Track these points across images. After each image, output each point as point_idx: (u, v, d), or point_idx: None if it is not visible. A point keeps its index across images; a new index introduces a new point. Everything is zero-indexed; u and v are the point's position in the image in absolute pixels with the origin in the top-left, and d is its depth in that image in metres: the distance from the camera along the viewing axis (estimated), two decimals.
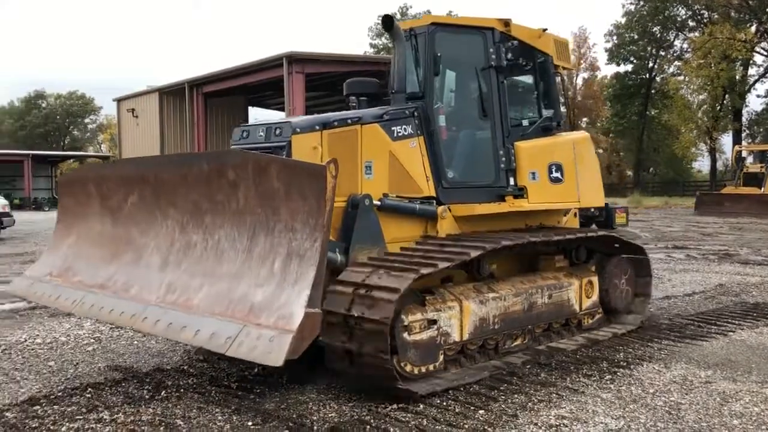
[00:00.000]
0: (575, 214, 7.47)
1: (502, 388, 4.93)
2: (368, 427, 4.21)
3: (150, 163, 5.39)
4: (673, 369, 5.36)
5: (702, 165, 62.73)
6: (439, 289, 5.28)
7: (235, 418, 4.45)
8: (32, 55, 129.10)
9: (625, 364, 5.53)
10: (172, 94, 29.68)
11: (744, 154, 31.67)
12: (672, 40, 57.52)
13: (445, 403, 4.62)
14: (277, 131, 5.36)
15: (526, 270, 6.35)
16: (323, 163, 3.70)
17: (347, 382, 4.97)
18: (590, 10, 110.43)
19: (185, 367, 5.66)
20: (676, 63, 55.18)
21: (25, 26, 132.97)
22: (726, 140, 51.97)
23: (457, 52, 6.46)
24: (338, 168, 3.73)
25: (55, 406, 4.73)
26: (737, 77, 47.93)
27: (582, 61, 66.62)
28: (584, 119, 69.24)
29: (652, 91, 57.74)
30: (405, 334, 4.81)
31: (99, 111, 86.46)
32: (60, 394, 5.02)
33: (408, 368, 4.82)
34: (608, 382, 5.06)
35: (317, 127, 5.31)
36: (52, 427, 4.33)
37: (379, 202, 5.44)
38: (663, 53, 57.70)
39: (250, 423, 4.35)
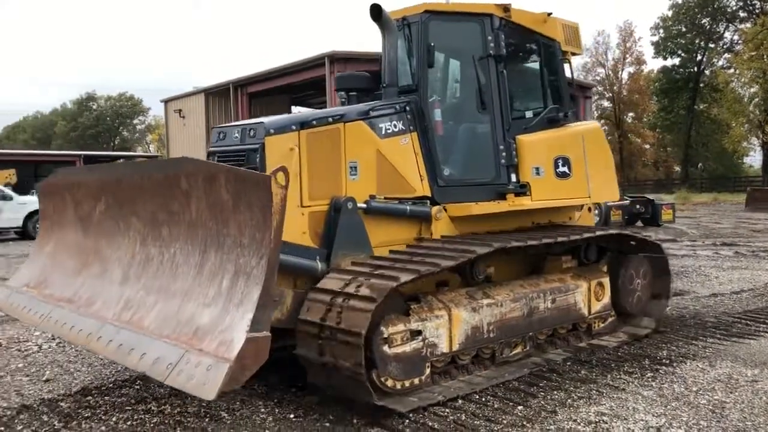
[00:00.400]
0: (590, 210, 7.07)
1: (541, 384, 4.92)
2: (407, 421, 4.25)
3: (115, 170, 5.10)
4: (718, 367, 5.27)
5: (753, 160, 60.92)
6: (426, 297, 4.92)
7: (277, 410, 4.55)
8: (80, 58, 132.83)
9: (667, 361, 5.45)
10: (217, 95, 30.19)
11: None
12: (722, 32, 56.03)
13: (483, 399, 4.64)
14: (251, 132, 5.02)
15: (530, 272, 6.02)
16: (269, 173, 3.35)
17: (327, 397, 4.65)
18: (636, 3, 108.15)
19: None
20: (726, 55, 53.72)
21: (73, 29, 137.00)
22: None
23: (453, 41, 6.15)
24: (289, 177, 3.38)
25: (106, 397, 4.92)
26: None
27: (627, 55, 65.40)
28: (630, 114, 67.92)
29: (701, 85, 56.33)
30: (385, 347, 4.43)
31: (147, 112, 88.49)
32: (111, 385, 5.21)
33: (389, 383, 4.46)
34: (650, 379, 5.01)
35: (294, 127, 4.98)
36: (103, 417, 4.51)
37: (365, 205, 5.16)
38: (712, 45, 56.23)
39: (291, 415, 4.45)
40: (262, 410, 4.57)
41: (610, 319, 6.29)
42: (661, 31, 57.45)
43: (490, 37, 5.91)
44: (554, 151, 6.24)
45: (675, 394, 4.66)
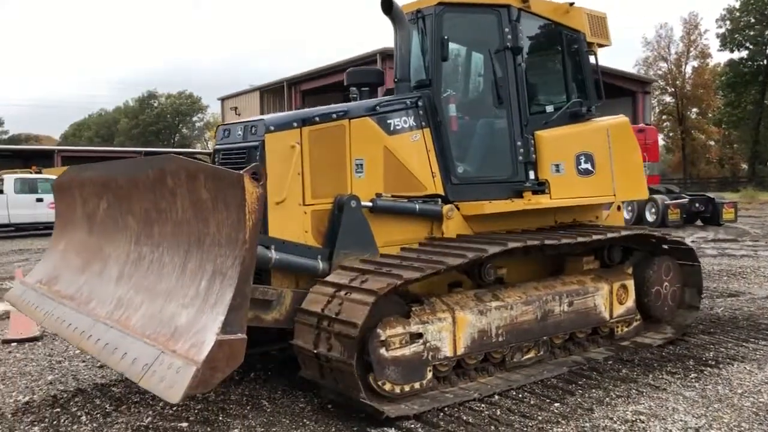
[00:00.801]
0: (619, 208, 6.80)
1: (580, 382, 4.89)
2: (446, 418, 4.29)
3: (114, 168, 4.97)
4: (767, 370, 5.12)
5: None
6: (430, 299, 4.77)
7: (316, 401, 4.66)
8: (137, 55, 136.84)
9: (713, 363, 5.33)
10: (271, 92, 30.76)
11: None
12: None
13: (521, 396, 4.64)
14: (253, 130, 4.95)
15: (551, 273, 5.79)
16: (242, 171, 3.28)
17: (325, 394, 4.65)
18: None
19: (274, 353, 5.95)
20: None
21: (134, 27, 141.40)
22: None
23: (469, 34, 5.99)
24: (266, 175, 3.34)
25: None
26: None
27: (692, 48, 63.36)
28: (694, 110, 65.83)
29: None
30: (382, 350, 4.28)
31: (206, 109, 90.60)
32: None
33: (387, 387, 4.33)
34: (693, 380, 4.91)
35: (295, 124, 4.88)
36: (151, 402, 4.71)
37: (370, 203, 5.05)
38: None
39: (330, 406, 4.55)
40: (302, 400, 4.70)
41: (635, 324, 6.01)
42: (728, 22, 55.37)
43: (507, 29, 5.71)
44: (576, 147, 6.01)
45: (718, 396, 4.56)
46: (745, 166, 61.64)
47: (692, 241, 15.47)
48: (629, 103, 29.14)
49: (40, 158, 35.70)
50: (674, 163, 67.69)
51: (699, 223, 19.82)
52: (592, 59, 6.35)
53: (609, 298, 5.71)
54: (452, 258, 4.60)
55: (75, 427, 4.32)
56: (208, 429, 4.21)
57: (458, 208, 5.46)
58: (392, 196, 5.21)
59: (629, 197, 6.74)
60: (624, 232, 5.84)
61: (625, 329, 5.93)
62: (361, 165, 5.10)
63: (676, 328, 6.17)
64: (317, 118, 4.96)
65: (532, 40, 5.95)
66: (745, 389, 4.69)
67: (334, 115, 5.03)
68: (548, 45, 6.27)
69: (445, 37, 5.42)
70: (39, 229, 20.86)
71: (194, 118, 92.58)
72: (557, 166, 5.85)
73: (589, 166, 6.05)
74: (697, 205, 19.58)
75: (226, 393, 4.87)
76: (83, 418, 4.47)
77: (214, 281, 3.42)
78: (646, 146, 23.74)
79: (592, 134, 6.18)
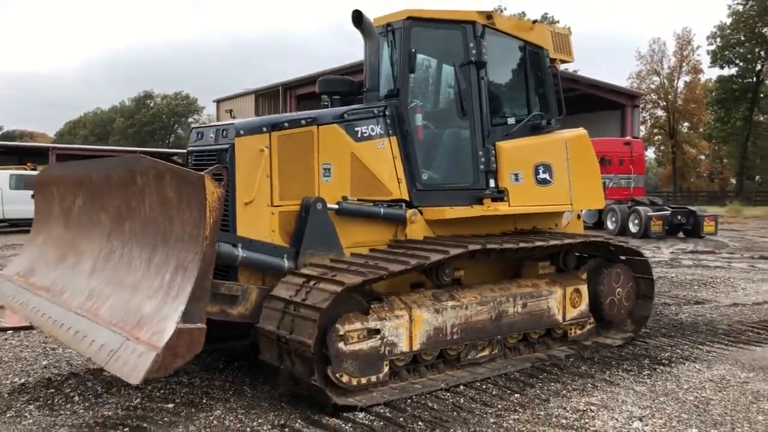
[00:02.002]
0: (578, 217, 7.23)
1: (541, 376, 5.26)
2: (412, 404, 4.64)
3: (89, 166, 5.15)
4: (714, 369, 5.50)
5: None
6: (389, 297, 5.02)
7: (294, 388, 4.99)
8: (134, 54, 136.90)
9: (667, 362, 5.71)
10: (266, 96, 31.11)
11: None
12: None
13: (484, 387, 5.00)
14: (224, 133, 5.14)
15: (509, 276, 6.08)
16: (204, 172, 3.53)
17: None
18: (694, 11, 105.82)
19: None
20: None
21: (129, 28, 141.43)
22: None
23: (435, 48, 6.27)
24: (227, 177, 3.57)
25: None
26: None
27: (684, 64, 64.10)
28: (685, 124, 66.53)
29: (760, 95, 54.85)
30: (341, 344, 4.52)
31: (201, 111, 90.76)
32: None
33: (345, 379, 4.57)
34: (645, 377, 5.29)
35: (264, 129, 5.10)
36: (140, 386, 5.02)
37: (336, 206, 5.28)
38: None
39: (306, 393, 4.88)
40: (281, 387, 5.03)
41: (588, 327, 6.26)
42: (719, 39, 56.14)
43: (471, 44, 5.99)
44: (535, 158, 6.31)
45: (665, 390, 4.94)
46: (734, 180, 62.32)
47: (671, 252, 15.91)
48: (618, 117, 29.64)
49: (35, 155, 35.85)
50: (665, 177, 68.38)
51: (681, 235, 20.27)
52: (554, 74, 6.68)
53: (562, 302, 5.98)
54: (414, 259, 4.87)
55: (68, 406, 4.65)
56: (193, 410, 4.54)
57: (421, 213, 5.74)
58: (358, 200, 5.46)
59: (585, 206, 7.01)
60: (567, 240, 6.03)
61: (579, 331, 6.20)
62: (329, 169, 5.36)
63: (628, 332, 6.52)
64: (286, 124, 5.22)
65: (496, 55, 6.23)
66: (690, 385, 5.07)
67: (303, 122, 5.28)
68: (512, 60, 6.54)
69: (413, 50, 5.69)
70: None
71: (190, 119, 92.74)
72: (516, 175, 6.16)
73: (547, 176, 6.36)
74: (679, 217, 20.04)
75: (210, 379, 5.22)
76: (76, 398, 4.80)
77: (177, 275, 3.69)
78: (632, 159, 24.30)
79: (551, 146, 6.50)
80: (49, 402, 4.72)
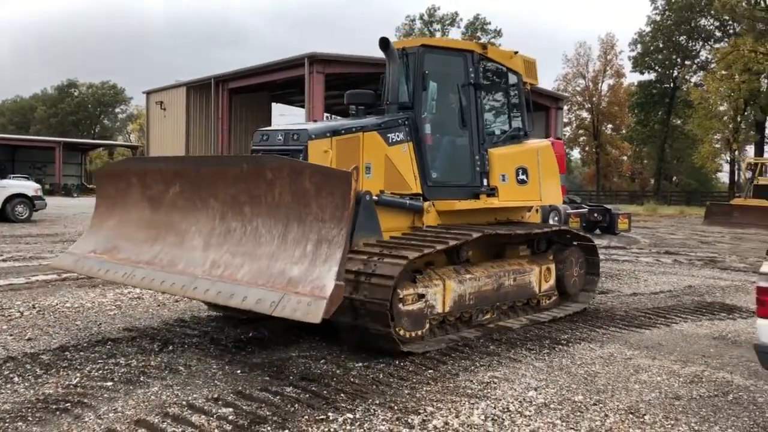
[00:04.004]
0: (537, 211, 8.76)
1: (453, 355, 5.82)
2: (335, 379, 5.12)
3: (192, 161, 6.17)
4: (605, 348, 6.21)
5: (727, 176, 62.59)
6: (426, 270, 6.18)
7: (227, 367, 5.40)
8: (62, 45, 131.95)
9: (565, 342, 6.39)
10: (198, 89, 30.86)
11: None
12: (698, 50, 57.65)
13: (402, 364, 5.52)
14: (295, 137, 6.29)
15: (494, 257, 7.33)
16: (349, 170, 4.56)
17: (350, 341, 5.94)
18: (618, 16, 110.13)
19: (189, 331, 6.63)
20: (700, 73, 55.24)
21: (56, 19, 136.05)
22: (752, 153, 51.84)
23: (442, 70, 7.38)
24: (359, 173, 4.56)
25: (81, 353, 5.74)
26: (761, 90, 47.92)
27: (608, 68, 66.83)
28: (609, 126, 69.36)
29: (677, 100, 57.84)
30: (400, 305, 5.70)
31: (129, 101, 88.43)
32: (85, 344, 6.02)
33: (401, 332, 5.72)
34: (545, 355, 5.93)
35: (328, 134, 6.28)
36: (78, 367, 5.33)
37: (376, 198, 6.28)
38: (688, 63, 57.81)
39: (239, 371, 5.30)
40: (214, 367, 5.41)
41: (553, 298, 7.79)
42: (639, 46, 58.92)
43: (471, 69, 7.33)
44: (516, 162, 7.72)
45: (561, 366, 5.59)
46: (653, 181, 65.51)
47: None
48: (543, 118, 30.88)
49: None
50: (589, 176, 71.20)
51: (598, 231, 21.47)
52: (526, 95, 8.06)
53: (539, 277, 7.48)
54: (463, 236, 6.29)
55: (9, 386, 4.88)
56: (131, 387, 4.87)
57: (434, 205, 6.96)
58: (391, 194, 6.60)
59: (550, 202, 8.53)
60: (546, 229, 7.72)
61: (548, 302, 7.67)
62: (369, 168, 6.54)
63: (586, 302, 8.08)
64: (343, 131, 6.39)
65: (488, 78, 7.59)
66: (583, 361, 5.74)
67: (354, 129, 6.47)
68: (498, 83, 7.92)
69: (426, 72, 6.97)
70: None
71: (117, 110, 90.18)
72: (503, 176, 7.57)
73: (524, 177, 7.82)
74: (595, 215, 21.24)
75: (146, 361, 5.53)
76: (16, 379, 5.03)
77: (321, 246, 4.64)
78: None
79: (527, 153, 7.93)
80: None
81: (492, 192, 7.45)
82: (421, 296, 5.95)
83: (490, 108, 7.88)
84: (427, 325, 6.05)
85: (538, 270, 7.48)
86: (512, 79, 7.93)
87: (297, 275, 4.63)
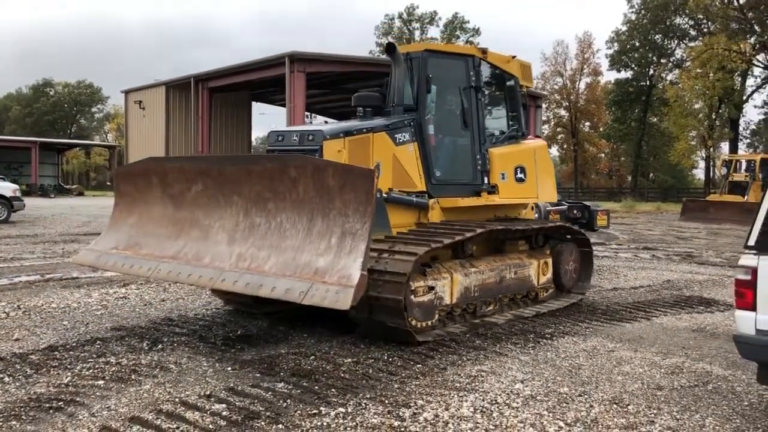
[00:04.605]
0: (532, 208, 8.92)
1: (441, 350, 5.92)
2: (326, 375, 5.19)
3: (215, 161, 6.44)
4: (588, 341, 6.35)
5: (703, 173, 63.52)
6: (435, 264, 6.48)
7: (218, 365, 5.45)
8: (40, 44, 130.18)
9: (549, 336, 6.53)
10: (178, 88, 30.61)
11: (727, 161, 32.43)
12: (673, 48, 58.39)
13: (390, 359, 5.61)
14: (310, 137, 6.58)
15: (494, 252, 7.63)
16: (372, 167, 4.88)
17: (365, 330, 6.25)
18: (596, 14, 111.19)
19: (178, 329, 6.66)
20: (676, 71, 55.99)
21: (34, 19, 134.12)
22: (726, 149, 52.73)
23: (445, 74, 7.68)
24: (380, 171, 4.80)
25: (71, 352, 5.75)
26: (735, 88, 48.72)
27: (585, 66, 67.45)
28: (587, 123, 70.01)
29: (653, 98, 58.56)
30: (412, 296, 5.97)
31: (106, 101, 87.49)
32: (74, 344, 6.03)
33: (414, 323, 5.99)
34: (530, 348, 6.06)
35: (341, 135, 6.59)
36: (69, 366, 5.34)
37: (386, 195, 6.57)
38: (663, 61, 58.56)
39: (229, 368, 5.35)
40: (205, 364, 5.46)
41: (550, 290, 8.13)
42: (616, 44, 59.52)
43: (471, 72, 7.66)
44: (514, 161, 8.10)
45: (546, 359, 5.71)
46: (630, 177, 66.26)
47: None
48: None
49: None
50: (567, 174, 71.80)
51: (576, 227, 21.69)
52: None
53: (537, 270, 7.80)
54: (468, 231, 6.58)
55: (0, 386, 4.90)
56: (122, 385, 4.90)
57: (438, 202, 7.30)
58: (399, 191, 6.89)
59: (546, 199, 8.88)
60: (558, 224, 8.43)
61: (545, 294, 8.00)
62: (379, 166, 6.44)
63: (582, 294, 8.48)
64: (355, 132, 6.70)
65: (487, 81, 7.89)
66: (567, 355, 5.87)
67: (365, 130, 6.78)
68: (497, 86, 8.27)
69: (429, 75, 7.28)
70: None
71: (93, 109, 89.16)
72: (503, 174, 7.92)
73: (522, 175, 8.18)
74: (575, 211, 21.30)
75: (136, 359, 5.56)
76: (6, 379, 5.04)
77: (345, 239, 4.94)
78: None
79: (524, 152, 8.32)
80: None
81: (493, 189, 7.80)
82: (431, 288, 6.23)
83: (489, 109, 8.21)
84: (437, 316, 6.33)
85: (536, 264, 7.80)
86: (509, 82, 8.29)
87: (323, 266, 4.93)
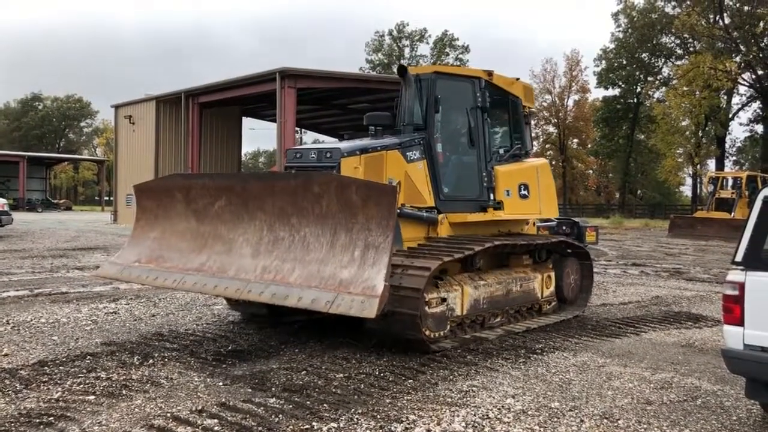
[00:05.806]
0: (533, 224, 9.34)
1: (432, 365, 5.94)
2: (317, 390, 5.19)
3: (238, 178, 6.69)
4: (579, 357, 6.39)
5: (690, 190, 64.07)
6: (446, 276, 6.75)
7: (208, 380, 5.44)
8: (29, 58, 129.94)
9: (540, 351, 6.56)
10: (168, 103, 30.64)
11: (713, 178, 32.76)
12: (660, 66, 59.08)
13: (381, 374, 5.62)
14: (328, 155, 6.88)
15: (500, 266, 7.88)
16: (394, 184, 5.03)
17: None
18: (584, 32, 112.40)
19: (168, 345, 6.64)
20: (663, 89, 56.60)
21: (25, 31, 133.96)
22: (713, 167, 53.20)
23: (453, 95, 7.94)
24: (401, 187, 5.26)
25: (61, 367, 5.72)
26: (721, 106, 49.30)
27: (573, 84, 68.07)
28: (575, 140, 70.53)
29: (640, 115, 59.13)
30: (426, 307, 6.20)
31: (95, 115, 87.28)
32: (64, 359, 6.00)
33: (428, 333, 6.23)
34: (521, 364, 6.08)
35: (358, 152, 6.88)
36: (59, 382, 5.32)
37: (398, 210, 6.62)
38: (650, 79, 59.21)
39: (220, 383, 5.34)
40: (196, 379, 5.45)
41: (553, 303, 8.41)
42: (603, 62, 60.17)
43: (478, 94, 7.96)
44: (518, 179, 8.37)
45: (536, 374, 5.74)
46: (618, 194, 66.69)
47: None
48: None
49: None
50: (556, 190, 72.14)
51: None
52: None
53: (541, 284, 8.12)
54: (477, 245, 6.86)
55: None
56: (113, 400, 4.88)
57: (447, 217, 7.55)
58: (411, 206, 7.15)
59: (548, 215, 9.10)
60: (561, 238, 8.65)
61: (548, 307, 8.28)
62: (399, 184, 7.01)
63: (583, 306, 8.74)
64: (370, 149, 7.00)
65: (493, 102, 8.15)
66: (557, 369, 5.90)
67: (379, 148, 7.08)
68: (501, 106, 8.52)
69: (438, 96, 7.56)
70: None
71: (82, 123, 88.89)
72: (508, 191, 8.19)
73: (526, 192, 8.47)
74: (564, 227, 21.48)
75: (127, 374, 5.54)
76: None
77: (368, 251, 5.18)
78: None
79: (528, 170, 8.61)
80: None
81: (498, 205, 8.07)
82: (443, 300, 6.49)
83: (494, 129, 8.49)
84: (448, 326, 6.59)
85: (540, 277, 8.11)
86: (513, 103, 8.59)
87: (347, 277, 5.15)
